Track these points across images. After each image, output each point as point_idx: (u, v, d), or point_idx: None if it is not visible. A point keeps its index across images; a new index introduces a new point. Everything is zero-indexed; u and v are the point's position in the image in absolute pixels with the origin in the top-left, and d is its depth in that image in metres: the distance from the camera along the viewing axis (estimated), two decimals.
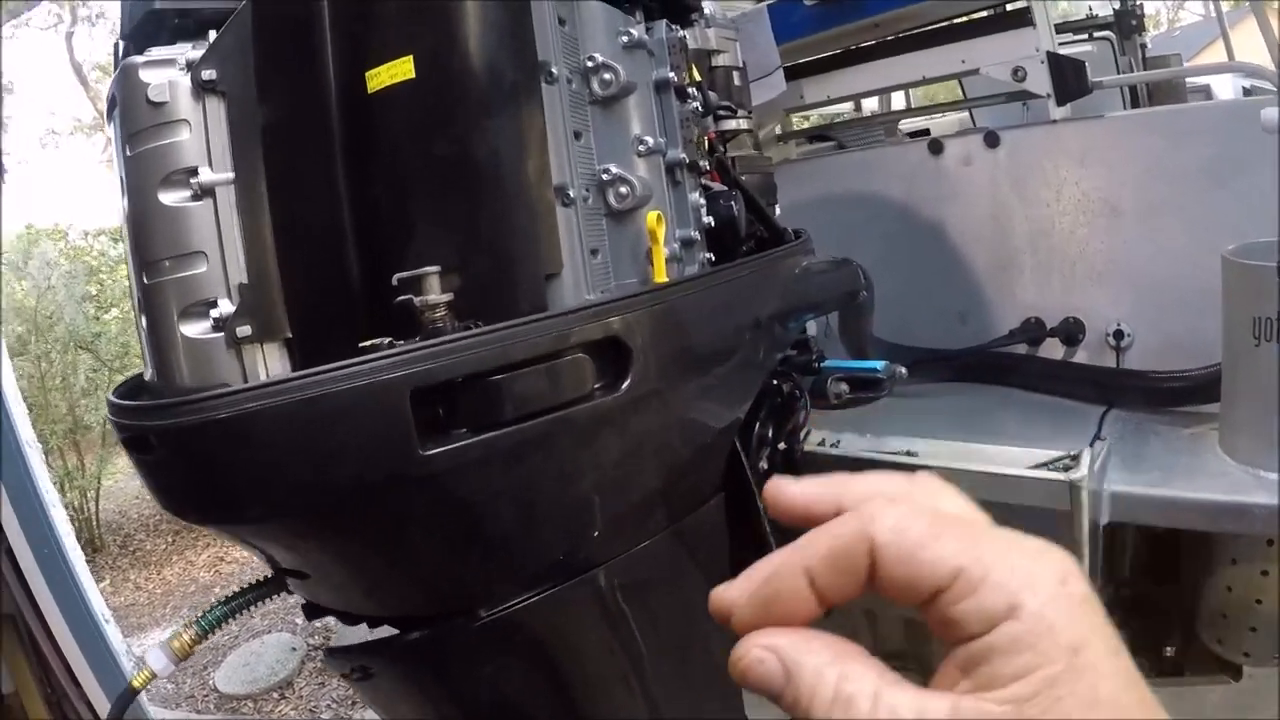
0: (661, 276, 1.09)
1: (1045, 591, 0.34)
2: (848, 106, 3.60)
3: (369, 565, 1.05)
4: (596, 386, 0.98)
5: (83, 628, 3.51)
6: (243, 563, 6.59)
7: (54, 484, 5.03)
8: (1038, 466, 1.56)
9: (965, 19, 2.42)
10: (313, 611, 1.23)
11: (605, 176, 1.07)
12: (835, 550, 0.39)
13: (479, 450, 0.90)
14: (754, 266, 1.27)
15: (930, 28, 2.42)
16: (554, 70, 0.99)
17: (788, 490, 0.44)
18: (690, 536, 1.21)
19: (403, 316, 0.94)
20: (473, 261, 0.98)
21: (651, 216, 1.07)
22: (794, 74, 2.46)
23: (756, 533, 1.46)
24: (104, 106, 1.08)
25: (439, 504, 0.96)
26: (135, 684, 1.24)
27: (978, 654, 0.35)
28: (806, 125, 3.02)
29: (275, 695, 4.58)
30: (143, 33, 1.00)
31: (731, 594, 0.42)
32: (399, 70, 0.97)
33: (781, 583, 0.40)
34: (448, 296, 0.93)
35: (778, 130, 2.71)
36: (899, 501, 0.39)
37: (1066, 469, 1.53)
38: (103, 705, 3.49)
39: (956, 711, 0.34)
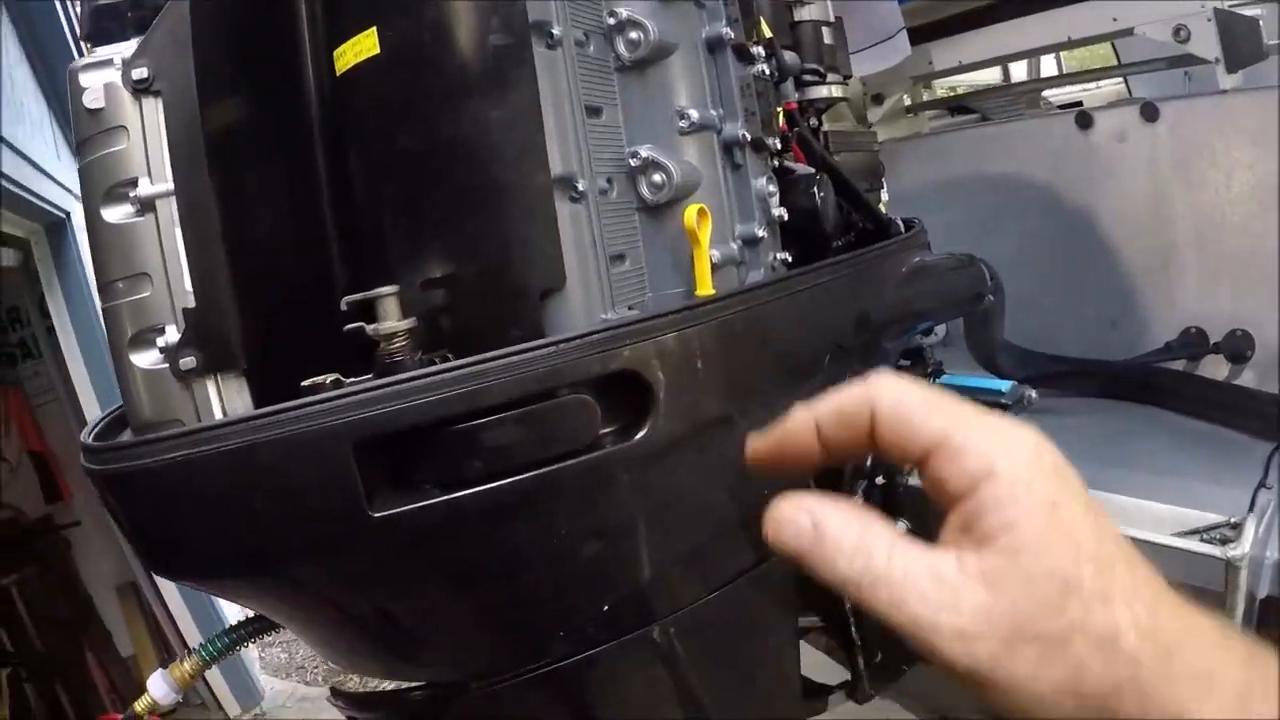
0: (706, 287, 0.86)
1: (1020, 457, 0.40)
2: (994, 74, 3.20)
3: (334, 631, 0.89)
4: (606, 432, 0.76)
5: (196, 597, 3.62)
6: None
7: None
8: (1188, 534, 1.25)
9: None
10: None
11: (634, 162, 0.85)
12: (842, 408, 0.44)
13: (444, 511, 0.71)
14: (841, 270, 1.01)
15: None
16: (555, 31, 0.78)
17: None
18: (739, 604, 0.98)
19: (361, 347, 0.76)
20: (450, 278, 0.79)
21: (690, 212, 0.84)
22: (920, 36, 2.09)
23: (830, 602, 1.23)
24: None
25: (401, 569, 0.78)
26: (138, 709, 1.17)
27: (969, 515, 0.39)
28: (942, 96, 2.65)
29: None
30: (100, 32, 0.87)
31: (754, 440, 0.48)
32: (363, 45, 0.79)
33: (794, 428, 0.46)
34: (408, 324, 0.74)
35: (906, 101, 2.39)
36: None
37: (1224, 541, 1.21)
38: (214, 672, 3.59)
39: (961, 563, 0.38)
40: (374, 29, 0.78)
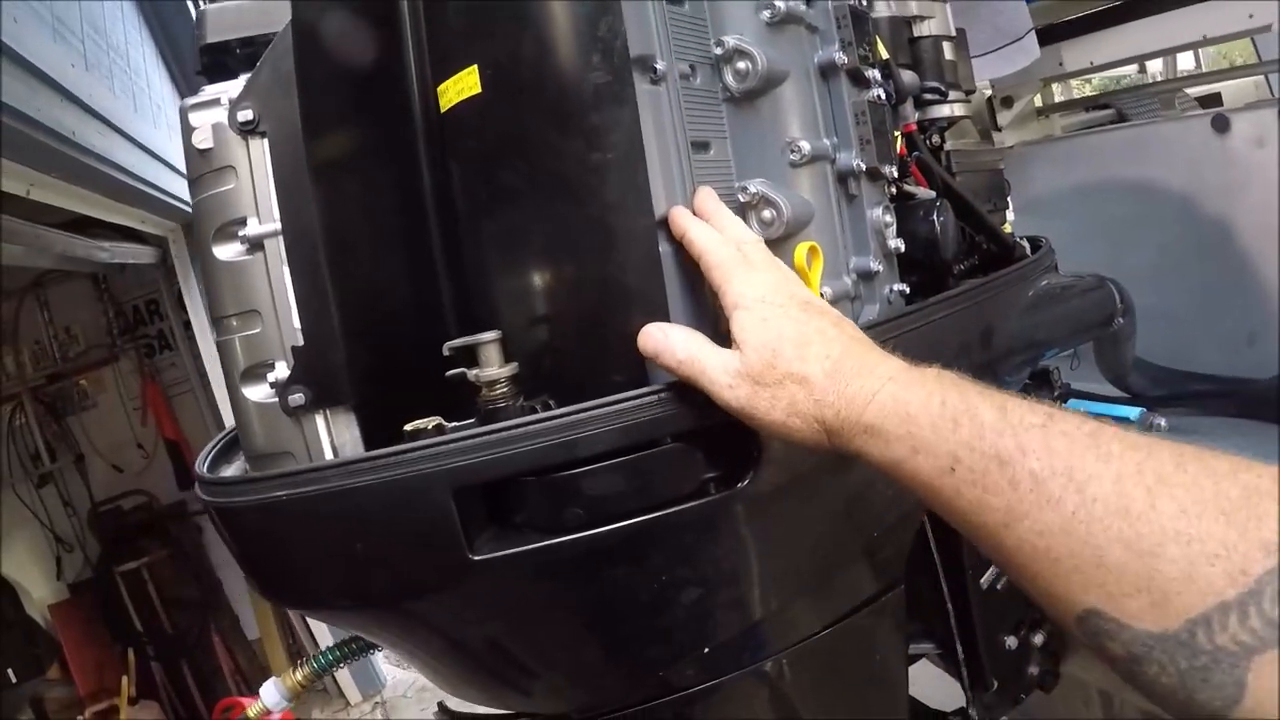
0: None
1: (750, 295, 0.68)
2: (1130, 69, 3.01)
3: (431, 660, 0.90)
4: (709, 477, 0.74)
5: None
6: None
7: None
8: None
9: None
10: None
11: (743, 197, 0.82)
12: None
13: (545, 556, 0.71)
14: (962, 302, 0.96)
15: None
16: (658, 65, 0.75)
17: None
18: (847, 642, 0.95)
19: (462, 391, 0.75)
20: (554, 321, 0.78)
21: (800, 250, 0.81)
22: (1049, 36, 2.00)
23: (959, 617, 1.19)
24: None
25: (495, 611, 0.78)
26: (251, 715, 1.21)
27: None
28: (1076, 96, 2.51)
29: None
30: (210, 69, 0.88)
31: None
32: (465, 84, 0.78)
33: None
34: (509, 369, 0.73)
35: (1037, 102, 2.27)
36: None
37: None
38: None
39: (733, 355, 0.67)
40: (475, 67, 0.77)
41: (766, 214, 0.82)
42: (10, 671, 3.65)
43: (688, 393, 0.70)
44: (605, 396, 0.70)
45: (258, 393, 0.84)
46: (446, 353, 0.75)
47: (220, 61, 0.88)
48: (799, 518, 0.84)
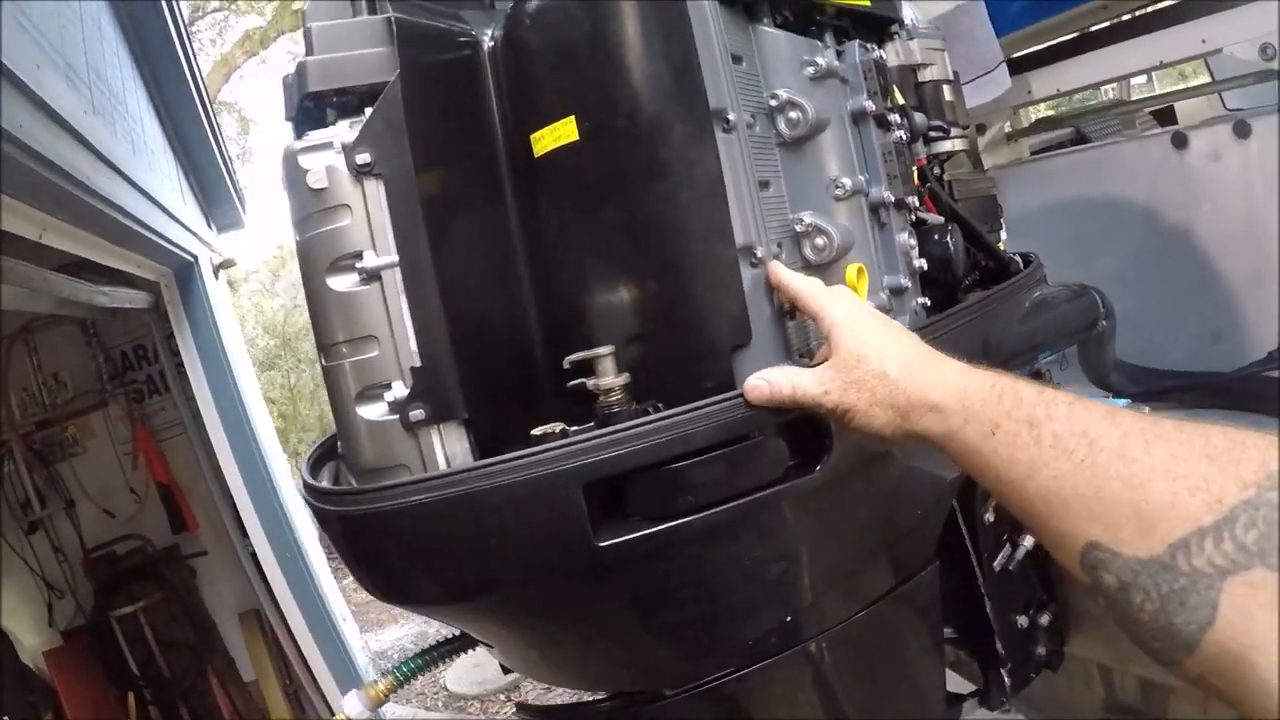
0: None
1: (840, 313, 0.83)
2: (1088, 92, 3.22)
3: (548, 647, 1.00)
4: (791, 465, 0.87)
5: (320, 625, 3.77)
6: None
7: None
8: None
9: None
10: (506, 669, 1.22)
11: (799, 228, 0.96)
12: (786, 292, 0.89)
13: (658, 540, 0.83)
14: (974, 312, 1.10)
15: (1165, 4, 2.09)
16: (730, 117, 0.89)
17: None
18: (895, 610, 1.08)
19: (578, 398, 0.87)
20: (654, 337, 0.90)
21: (851, 271, 0.95)
22: (1018, 67, 2.21)
23: (974, 599, 1.31)
24: None
25: (616, 593, 0.89)
26: None
27: (831, 343, 0.83)
28: (1044, 115, 2.71)
29: (502, 698, 4.74)
30: (305, 115, 0.98)
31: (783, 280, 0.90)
32: (562, 132, 0.90)
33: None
34: (623, 379, 0.85)
35: (1007, 128, 2.47)
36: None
37: None
38: (335, 697, 3.71)
39: (826, 367, 0.82)
40: (573, 117, 0.90)
41: (819, 241, 0.96)
42: None
43: None
44: (698, 400, 0.82)
45: (373, 411, 0.94)
46: (566, 366, 0.87)
47: (313, 111, 0.97)
48: (859, 499, 0.97)
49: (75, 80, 2.17)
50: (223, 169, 3.94)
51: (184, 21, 3.58)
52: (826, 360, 0.83)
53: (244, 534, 3.81)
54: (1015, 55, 2.23)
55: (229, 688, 4.19)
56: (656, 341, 0.90)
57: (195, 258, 3.49)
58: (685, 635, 0.94)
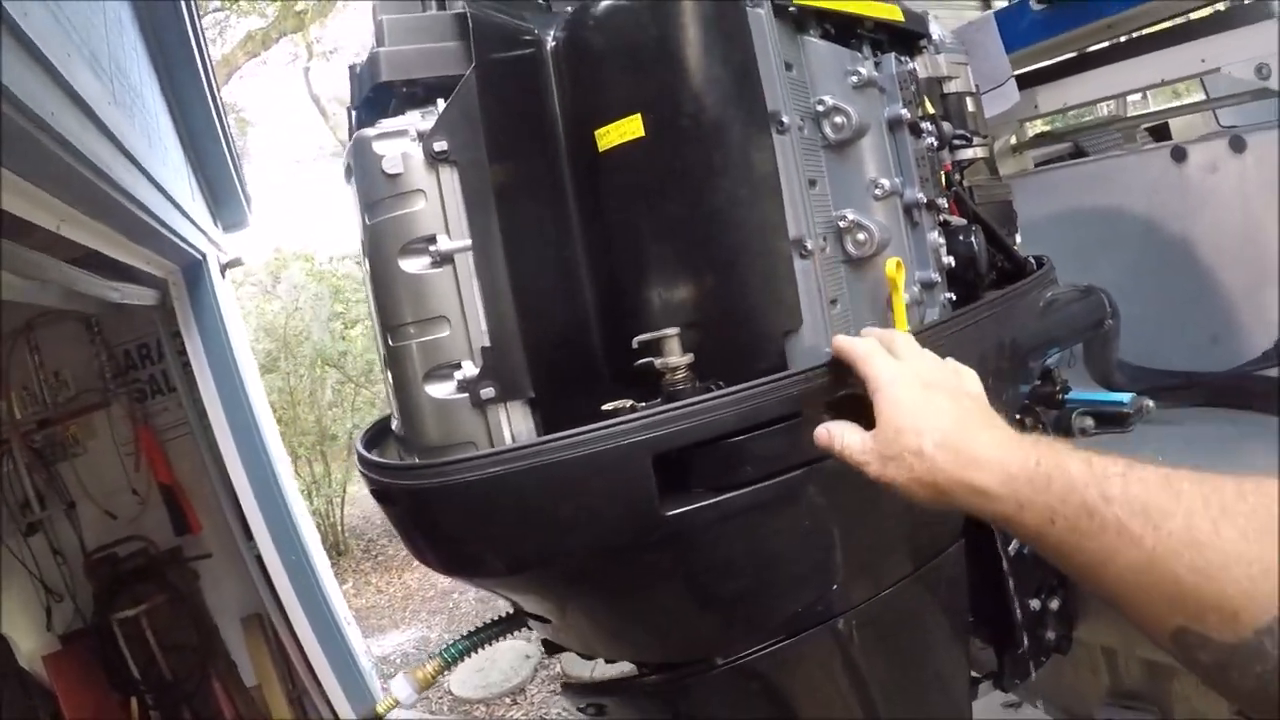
0: (903, 325, 1.03)
1: (885, 379, 0.83)
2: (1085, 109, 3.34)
3: (609, 617, 1.06)
4: None
5: (324, 628, 3.76)
6: None
7: (301, 492, 5.47)
8: None
9: (1202, 14, 2.19)
10: (552, 647, 1.27)
11: (842, 224, 1.03)
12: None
13: (720, 509, 0.90)
14: (997, 307, 1.18)
15: (1166, 25, 2.21)
16: (784, 119, 0.96)
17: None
18: (929, 583, 1.16)
19: (645, 375, 0.94)
20: (711, 320, 0.97)
21: (891, 263, 1.02)
22: (1026, 82, 2.33)
23: (997, 574, 1.38)
24: (343, 135, 1.11)
25: (680, 561, 0.96)
26: (380, 710, 1.31)
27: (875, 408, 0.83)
28: (1044, 128, 2.83)
29: (507, 700, 4.73)
30: (372, 103, 1.04)
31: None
32: (628, 129, 0.97)
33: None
34: (688, 358, 0.92)
35: (1012, 141, 2.57)
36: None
37: None
38: (341, 702, 3.72)
39: (870, 435, 0.83)
40: (639, 115, 0.97)
41: (861, 236, 1.03)
42: None
43: (822, 376, 0.90)
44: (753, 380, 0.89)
45: (442, 390, 0.99)
46: (635, 346, 0.94)
47: (383, 100, 1.03)
48: None
49: (99, 71, 2.15)
50: (230, 167, 3.96)
51: (199, 18, 3.59)
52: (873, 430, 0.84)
53: (249, 536, 3.80)
54: (1023, 71, 2.33)
55: (231, 692, 4.19)
56: (714, 327, 0.97)
57: (204, 256, 3.49)
58: (737, 605, 1.01)
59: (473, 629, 1.30)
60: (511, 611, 1.27)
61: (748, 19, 0.96)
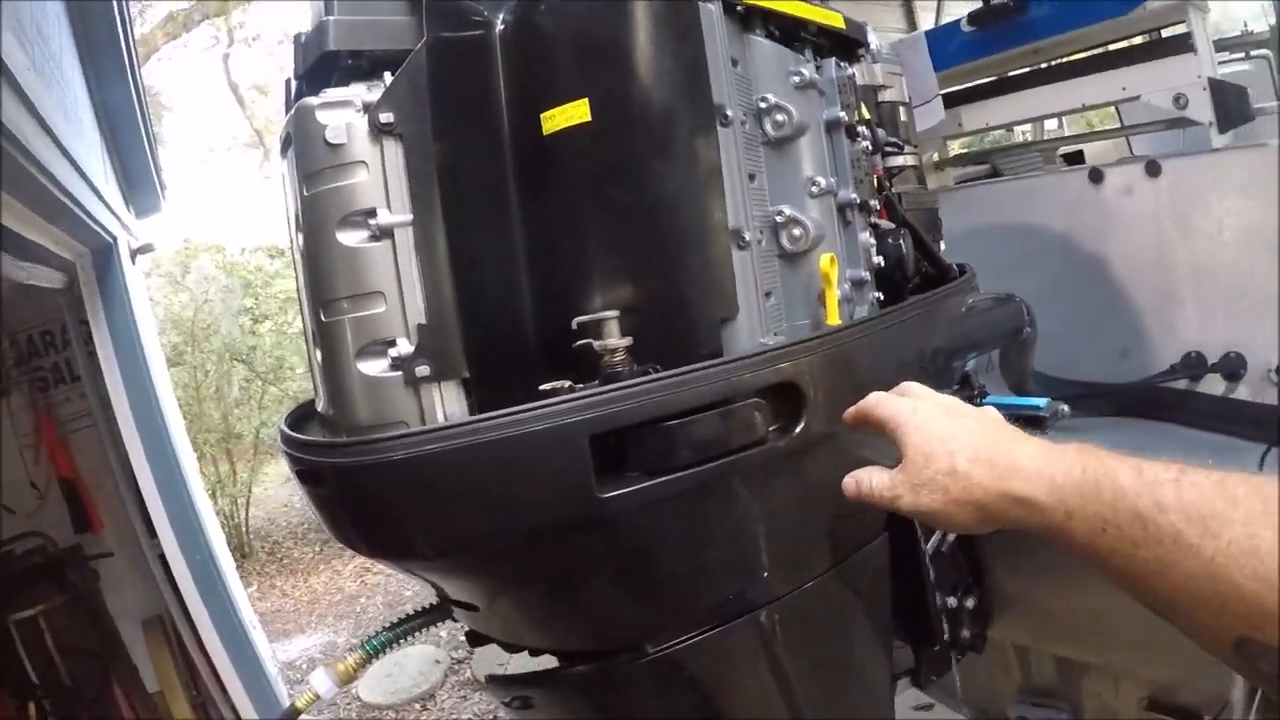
0: (834, 319, 1.06)
1: (905, 412, 0.82)
2: (1001, 132, 3.48)
3: (541, 603, 1.06)
4: (771, 429, 0.96)
5: (230, 633, 3.63)
6: (389, 574, 6.57)
7: (206, 491, 5.28)
8: None
9: (1125, 44, 2.32)
10: (476, 639, 1.25)
11: (779, 219, 1.06)
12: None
13: (655, 493, 0.90)
14: (923, 307, 1.22)
15: (1090, 54, 2.33)
16: (729, 112, 0.98)
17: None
18: (853, 575, 1.18)
19: (581, 359, 0.94)
20: (650, 305, 0.98)
21: (825, 259, 1.05)
22: (952, 101, 2.43)
23: (917, 571, 1.42)
24: (259, 125, 1.10)
25: (613, 545, 0.96)
26: (299, 704, 1.27)
27: (898, 443, 0.82)
28: (961, 150, 2.95)
29: (417, 706, 4.64)
30: (317, 73, 1.03)
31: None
32: (574, 113, 0.98)
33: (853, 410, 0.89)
34: (627, 341, 0.93)
35: (935, 158, 2.66)
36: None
37: None
38: (246, 709, 3.60)
39: (897, 470, 0.81)
40: (586, 100, 0.97)
41: (796, 231, 1.05)
42: None
43: (761, 361, 0.92)
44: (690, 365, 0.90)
45: (374, 367, 0.98)
46: (574, 327, 0.94)
47: (327, 70, 1.02)
48: (827, 464, 1.05)
49: (21, 35, 2.06)
50: (147, 149, 3.81)
51: None
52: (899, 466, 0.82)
53: (152, 535, 3.64)
54: (950, 90, 2.42)
55: (133, 697, 4.01)
56: (652, 312, 0.98)
57: (114, 239, 3.32)
58: (668, 591, 1.01)
59: (396, 620, 1.27)
60: (435, 603, 1.25)
61: (699, 13, 0.97)
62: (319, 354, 1.03)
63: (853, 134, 1.17)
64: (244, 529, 7.63)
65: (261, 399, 8.01)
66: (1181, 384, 2.09)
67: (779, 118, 1.05)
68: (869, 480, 0.83)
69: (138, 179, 3.89)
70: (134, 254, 3.65)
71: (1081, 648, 1.70)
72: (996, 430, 0.79)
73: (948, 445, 0.77)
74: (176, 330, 7.69)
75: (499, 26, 1.05)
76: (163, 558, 3.66)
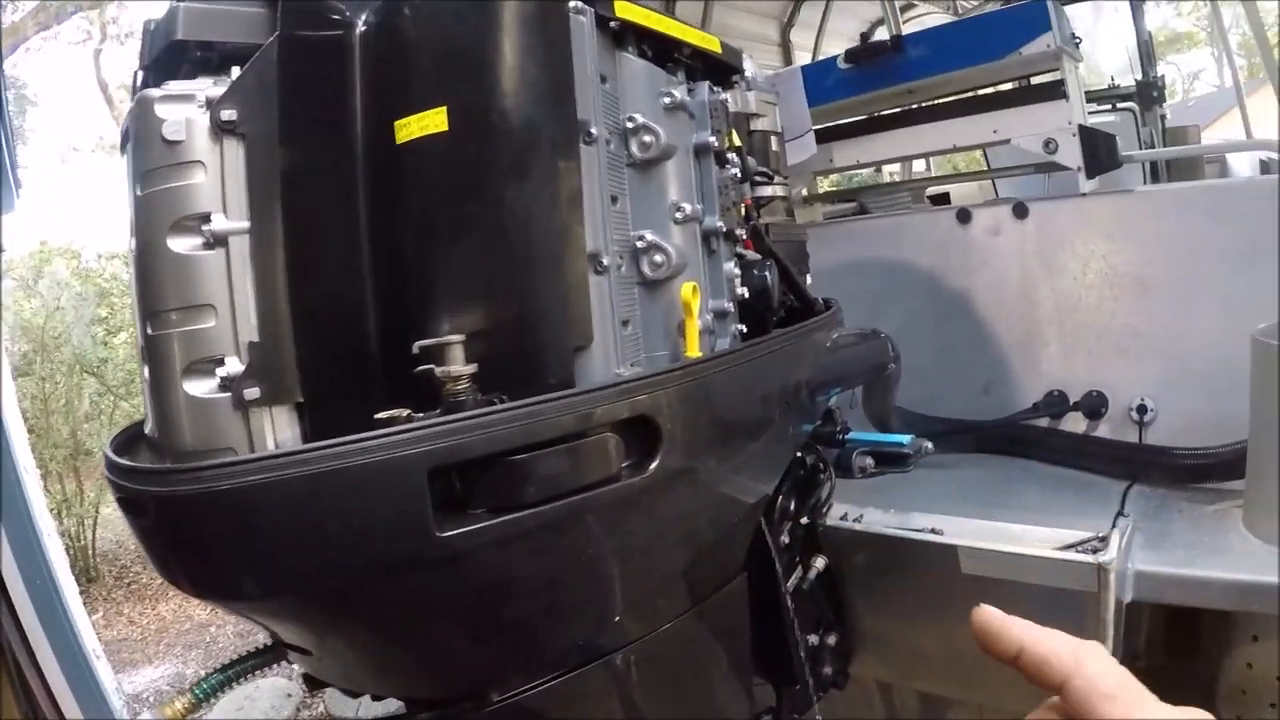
0: (694, 351, 1.03)
1: (1087, 674, 0.58)
2: (869, 171, 3.59)
3: (377, 646, 0.98)
4: (624, 466, 0.92)
5: (71, 662, 3.39)
6: None
7: (51, 510, 4.93)
8: (1065, 548, 1.50)
9: (997, 89, 2.42)
10: (313, 683, 1.17)
11: (640, 244, 1.02)
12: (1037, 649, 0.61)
13: (498, 532, 0.84)
14: (787, 340, 1.21)
15: (963, 96, 2.41)
16: (594, 130, 0.95)
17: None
18: (713, 615, 1.15)
19: (423, 386, 0.88)
20: (499, 330, 0.93)
21: (687, 288, 1.02)
22: (825, 137, 2.46)
23: (778, 609, 1.40)
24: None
25: (454, 586, 0.89)
26: None
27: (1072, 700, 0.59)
28: (829, 189, 3.02)
29: None
30: (163, 64, 0.95)
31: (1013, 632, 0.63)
32: (430, 121, 0.93)
33: (1004, 636, 0.62)
34: (471, 368, 0.87)
35: (804, 193, 2.69)
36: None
37: (1095, 551, 1.47)
38: None
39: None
40: (444, 108, 0.92)
41: (658, 258, 1.02)
42: None
43: (617, 392, 0.88)
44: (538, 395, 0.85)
45: (201, 388, 0.90)
46: (415, 351, 0.88)
47: (174, 62, 0.94)
48: (684, 503, 1.02)
49: None
50: (3, 142, 3.56)
51: None
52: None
53: None
54: (823, 126, 2.46)
55: None
56: (502, 337, 0.93)
57: None
58: (513, 637, 0.95)
59: (226, 661, 1.19)
60: (270, 643, 1.17)
61: (569, 24, 0.93)
62: (146, 371, 0.94)
63: (722, 160, 1.15)
64: (90, 551, 7.12)
65: (113, 414, 7.50)
66: (1044, 421, 2.16)
67: (646, 139, 1.02)
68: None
69: None
70: None
71: (944, 684, 1.72)
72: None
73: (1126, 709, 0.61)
74: (26, 338, 7.19)
75: (360, 27, 0.99)
76: (1, 582, 3.41)
